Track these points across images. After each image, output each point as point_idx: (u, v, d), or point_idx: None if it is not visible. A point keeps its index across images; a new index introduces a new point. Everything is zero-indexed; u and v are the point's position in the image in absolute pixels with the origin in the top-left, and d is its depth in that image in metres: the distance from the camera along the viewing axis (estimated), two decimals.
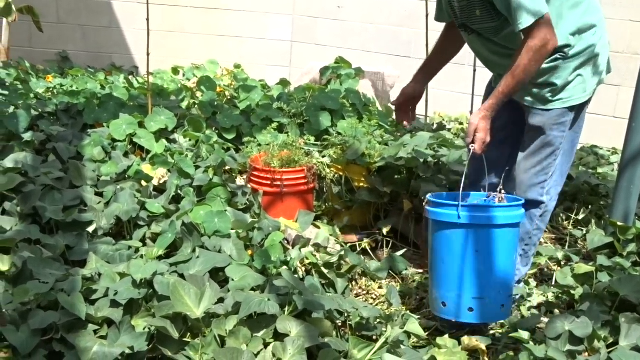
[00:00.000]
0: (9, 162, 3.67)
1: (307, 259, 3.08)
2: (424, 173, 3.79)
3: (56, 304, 2.42)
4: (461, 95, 5.87)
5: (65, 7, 6.86)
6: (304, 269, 3.11)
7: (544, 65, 2.67)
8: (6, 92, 4.75)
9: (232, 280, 2.67)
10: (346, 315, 2.60)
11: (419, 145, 4.03)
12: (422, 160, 3.84)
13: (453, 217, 2.49)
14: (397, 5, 6.22)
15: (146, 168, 3.66)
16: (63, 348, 2.27)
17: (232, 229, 3.04)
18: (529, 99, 2.81)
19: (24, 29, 6.57)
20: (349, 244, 3.60)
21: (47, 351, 2.27)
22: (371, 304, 3.12)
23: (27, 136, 4.03)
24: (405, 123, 3.15)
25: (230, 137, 4.39)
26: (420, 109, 5.18)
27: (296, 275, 2.81)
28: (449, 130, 5.25)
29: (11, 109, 4.33)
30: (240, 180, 3.98)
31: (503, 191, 2.68)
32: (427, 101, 4.74)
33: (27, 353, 2.22)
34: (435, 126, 5.27)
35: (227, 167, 3.93)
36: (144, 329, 2.35)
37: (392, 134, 4.52)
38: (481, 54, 2.94)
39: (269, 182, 3.66)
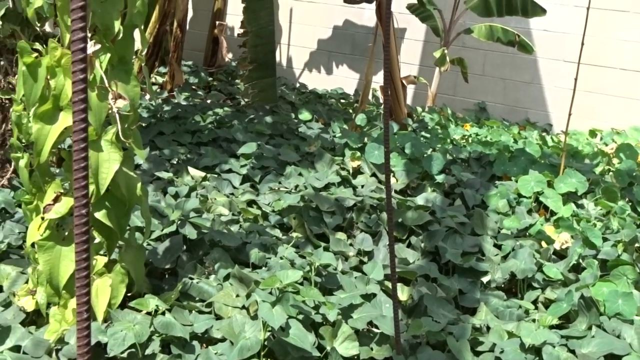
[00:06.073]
0: (420, 200, 3.96)
1: None
2: None
3: (443, 345, 2.50)
4: None
5: (492, 61, 7.15)
6: None
7: None
8: (428, 135, 5.14)
9: None
10: None
11: None
12: None
13: None
14: None
15: (549, 229, 3.56)
16: None
17: (635, 315, 2.74)
18: None
19: (451, 78, 7.04)
20: None
21: None
22: None
23: (439, 178, 4.29)
24: None
25: None
26: None
27: None
28: None
29: (429, 151, 4.66)
30: None
31: None
32: None
33: None
34: None
35: (637, 245, 3.58)
36: None
37: None
38: None
39: None
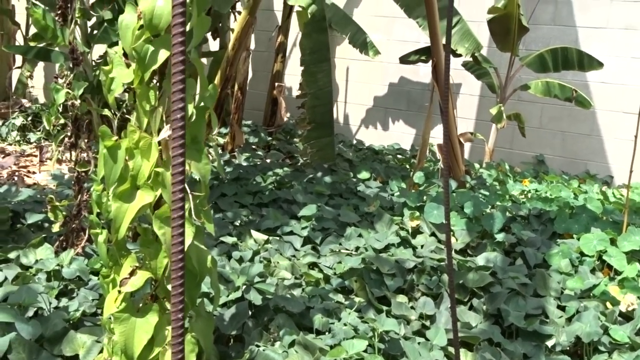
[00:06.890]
0: (480, 260, 3.96)
1: None
2: None
3: None
4: None
5: (549, 114, 7.14)
6: None
7: None
8: (486, 193, 5.15)
9: None
10: None
11: None
12: None
13: None
14: None
15: (614, 290, 3.51)
16: None
17: None
18: None
19: (508, 131, 7.05)
20: None
21: None
22: None
23: (499, 237, 4.29)
24: None
25: None
26: None
27: None
28: None
29: (488, 209, 4.67)
30: None
31: None
32: None
33: None
34: None
35: None
36: None
37: None
38: None
39: None
